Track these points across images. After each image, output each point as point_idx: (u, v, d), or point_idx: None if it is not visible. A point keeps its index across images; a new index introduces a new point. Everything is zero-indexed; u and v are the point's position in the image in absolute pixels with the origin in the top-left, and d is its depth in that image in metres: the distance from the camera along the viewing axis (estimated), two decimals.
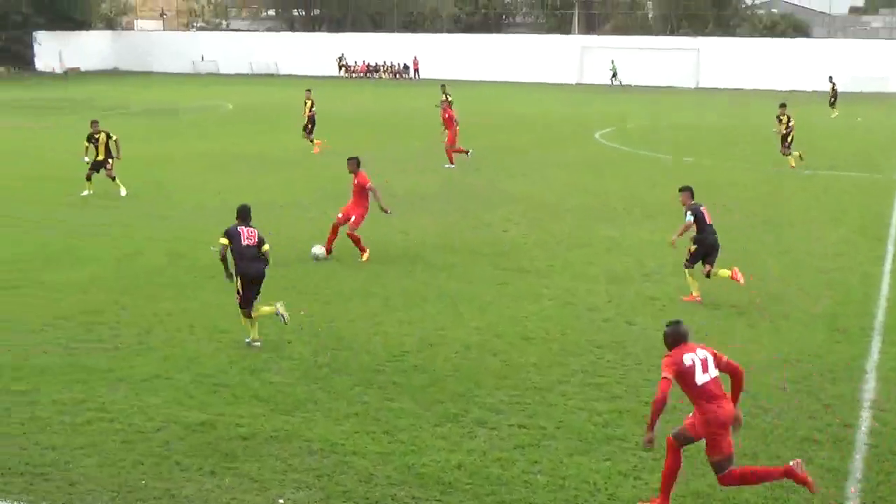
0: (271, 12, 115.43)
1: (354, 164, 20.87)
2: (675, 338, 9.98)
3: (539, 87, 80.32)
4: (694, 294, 17.75)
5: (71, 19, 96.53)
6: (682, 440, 9.94)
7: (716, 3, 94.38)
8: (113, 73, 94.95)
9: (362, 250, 20.70)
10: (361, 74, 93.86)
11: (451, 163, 33.95)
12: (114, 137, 28.03)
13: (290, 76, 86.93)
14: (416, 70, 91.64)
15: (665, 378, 9.62)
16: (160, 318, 16.24)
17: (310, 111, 38.23)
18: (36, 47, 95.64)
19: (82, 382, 13.35)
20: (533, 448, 11.35)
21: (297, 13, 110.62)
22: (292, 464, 10.95)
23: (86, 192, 27.74)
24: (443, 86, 46.65)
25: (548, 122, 51.37)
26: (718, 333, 15.68)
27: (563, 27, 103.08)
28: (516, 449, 11.35)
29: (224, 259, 15.06)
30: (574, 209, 26.53)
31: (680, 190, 18.25)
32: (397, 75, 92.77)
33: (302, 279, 18.94)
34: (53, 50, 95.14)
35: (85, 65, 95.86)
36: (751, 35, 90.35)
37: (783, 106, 34.75)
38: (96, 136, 27.82)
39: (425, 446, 11.41)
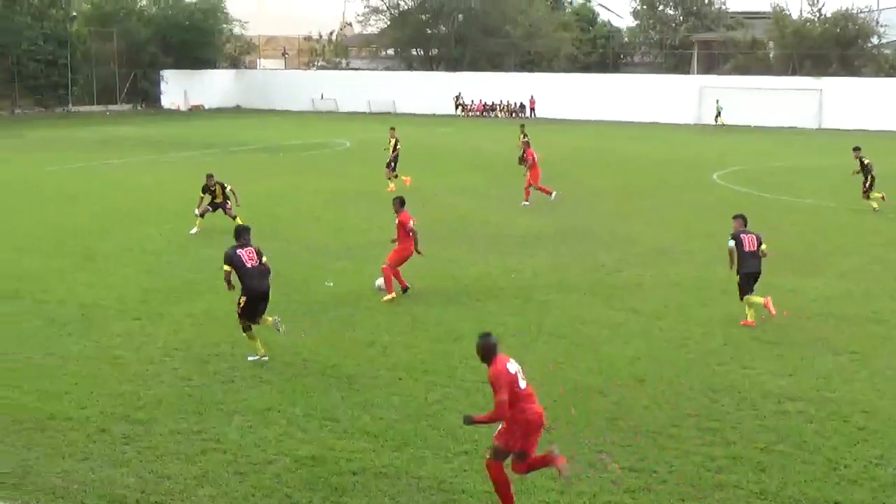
0: (390, 52, 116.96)
1: (398, 203, 21.06)
2: (489, 349, 10.46)
3: (656, 127, 79.65)
4: (749, 319, 18.44)
5: (197, 59, 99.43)
6: (501, 457, 10.42)
7: (839, 43, 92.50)
8: (235, 111, 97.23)
9: (389, 289, 20.31)
10: (478, 113, 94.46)
11: (528, 199, 34.08)
12: (228, 188, 28.15)
13: (408, 115, 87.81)
14: (532, 109, 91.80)
15: (502, 400, 10.16)
16: (274, 353, 16.46)
17: (394, 149, 38.45)
18: (163, 85, 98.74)
19: (198, 413, 13.63)
20: (643, 492, 11.17)
21: (415, 52, 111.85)
22: (400, 500, 10.97)
23: (194, 230, 27.80)
24: (522, 126, 46.49)
25: (665, 162, 50.85)
26: (840, 381, 15.29)
27: (681, 67, 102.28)
28: (626, 493, 11.18)
29: (229, 282, 16.49)
30: (691, 250, 26.17)
31: (733, 217, 19.35)
32: (513, 114, 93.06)
33: (414, 316, 19.04)
34: (179, 88, 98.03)
35: (208, 102, 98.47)
36: (876, 75, 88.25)
37: (857, 149, 34.31)
38: (212, 189, 27.93)
39: (534, 487, 11.33)
